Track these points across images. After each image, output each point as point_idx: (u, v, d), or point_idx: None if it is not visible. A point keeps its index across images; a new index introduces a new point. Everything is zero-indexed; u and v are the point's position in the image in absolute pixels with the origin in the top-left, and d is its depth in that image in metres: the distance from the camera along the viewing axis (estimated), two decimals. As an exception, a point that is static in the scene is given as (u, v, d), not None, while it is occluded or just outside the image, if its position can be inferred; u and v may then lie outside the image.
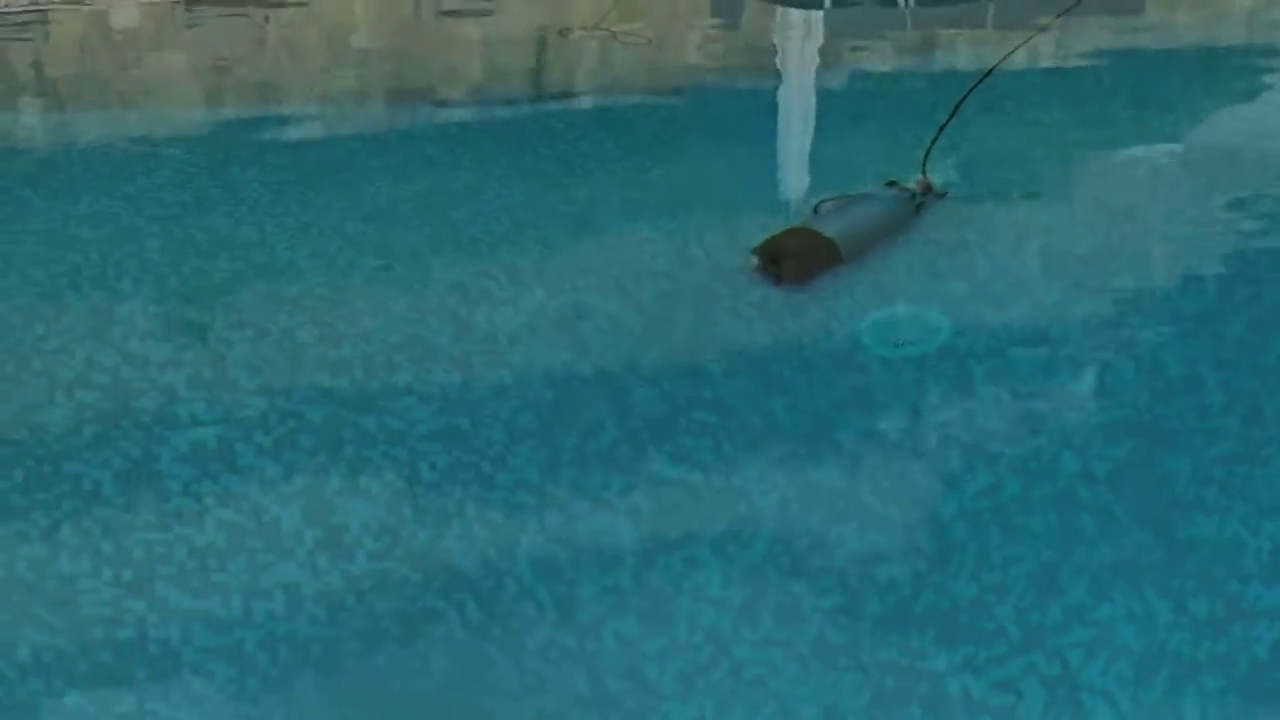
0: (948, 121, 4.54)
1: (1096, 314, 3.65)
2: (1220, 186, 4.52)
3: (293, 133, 5.45)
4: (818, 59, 6.69)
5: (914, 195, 4.11)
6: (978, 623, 2.53)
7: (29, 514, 2.84)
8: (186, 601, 2.60)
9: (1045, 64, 6.11)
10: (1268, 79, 6.05)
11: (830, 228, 3.87)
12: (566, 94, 6.03)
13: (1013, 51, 5.32)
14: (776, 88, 6.16)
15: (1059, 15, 6.08)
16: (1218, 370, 3.37)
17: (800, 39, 7.25)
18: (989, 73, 4.68)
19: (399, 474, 2.97)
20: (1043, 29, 6.36)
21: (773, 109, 5.77)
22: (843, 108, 5.74)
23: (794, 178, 4.84)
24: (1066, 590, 2.61)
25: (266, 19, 7.91)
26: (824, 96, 5.94)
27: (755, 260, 3.78)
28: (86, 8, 7.91)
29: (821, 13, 7.80)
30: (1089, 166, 4.82)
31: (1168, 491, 2.90)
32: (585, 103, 5.86)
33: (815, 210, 4.06)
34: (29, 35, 7.54)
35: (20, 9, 7.80)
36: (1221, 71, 6.29)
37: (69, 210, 4.39)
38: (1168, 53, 6.66)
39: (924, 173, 4.23)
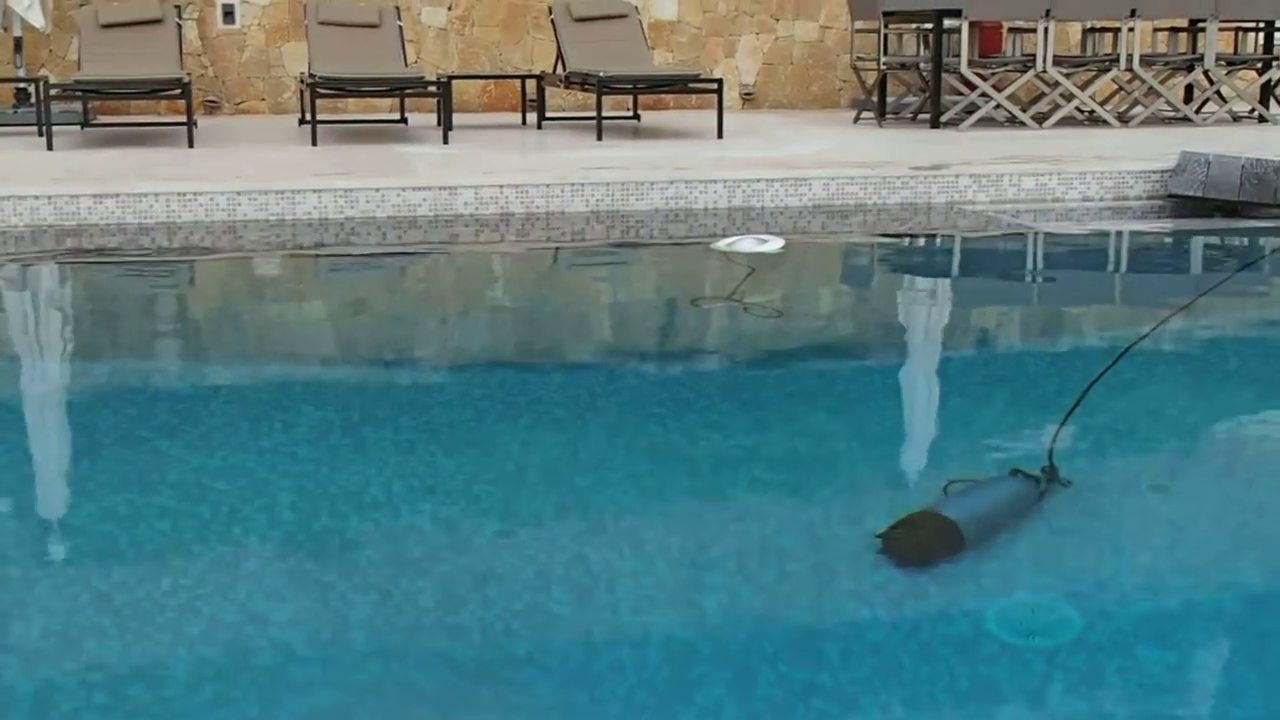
0: (1074, 407, 4.53)
1: (1226, 611, 3.56)
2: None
3: (425, 391, 5.57)
4: (946, 332, 6.74)
5: (1039, 483, 4.08)
6: None
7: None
8: None
9: (1174, 347, 6.08)
10: None
11: (955, 512, 3.84)
12: (695, 363, 6.12)
13: (1140, 339, 5.32)
14: (903, 361, 6.20)
15: (1192, 299, 6.07)
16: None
17: (928, 310, 7.31)
18: (1117, 359, 4.69)
19: (512, 750, 2.96)
20: (1173, 313, 6.36)
21: (899, 383, 5.80)
22: (969, 385, 5.74)
23: (919, 456, 4.83)
24: None
25: (403, 270, 8.18)
26: (951, 372, 5.96)
27: (880, 543, 3.76)
28: (229, 256, 8.24)
29: (950, 283, 7.89)
30: (1218, 459, 4.76)
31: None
32: (713, 372, 5.93)
33: (944, 491, 4.05)
34: (170, 283, 7.86)
35: (163, 256, 8.14)
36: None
37: (204, 462, 4.50)
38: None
39: (1050, 461, 4.20)
